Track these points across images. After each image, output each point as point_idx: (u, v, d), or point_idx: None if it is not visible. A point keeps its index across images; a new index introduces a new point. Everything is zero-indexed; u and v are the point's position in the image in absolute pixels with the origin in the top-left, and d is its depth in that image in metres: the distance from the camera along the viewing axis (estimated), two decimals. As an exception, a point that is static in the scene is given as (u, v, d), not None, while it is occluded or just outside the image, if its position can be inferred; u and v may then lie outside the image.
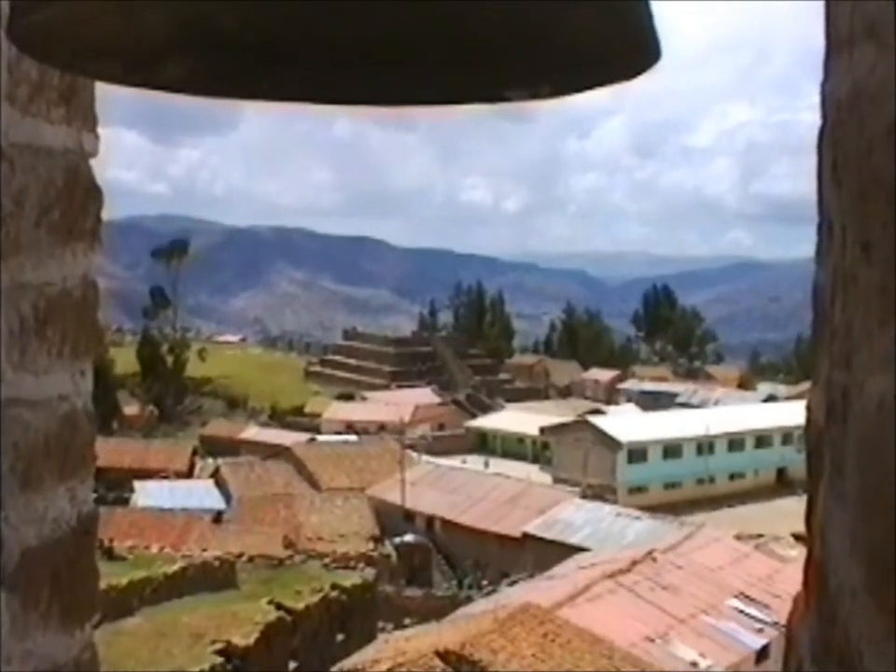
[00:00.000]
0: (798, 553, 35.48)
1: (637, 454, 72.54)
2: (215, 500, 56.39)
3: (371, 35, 1.15)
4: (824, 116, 1.43)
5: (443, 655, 24.39)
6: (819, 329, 1.37)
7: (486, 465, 75.69)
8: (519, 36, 1.19)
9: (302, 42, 1.16)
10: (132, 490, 57.57)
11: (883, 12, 1.07)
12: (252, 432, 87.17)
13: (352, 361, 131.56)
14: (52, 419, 1.87)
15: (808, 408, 1.42)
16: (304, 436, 79.47)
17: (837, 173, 1.28)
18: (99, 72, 1.31)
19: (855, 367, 1.12)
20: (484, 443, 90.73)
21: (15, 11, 1.15)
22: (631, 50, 1.26)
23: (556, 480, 68.88)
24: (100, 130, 2.02)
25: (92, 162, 1.98)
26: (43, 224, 1.83)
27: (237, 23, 1.12)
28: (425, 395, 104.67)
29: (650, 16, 1.24)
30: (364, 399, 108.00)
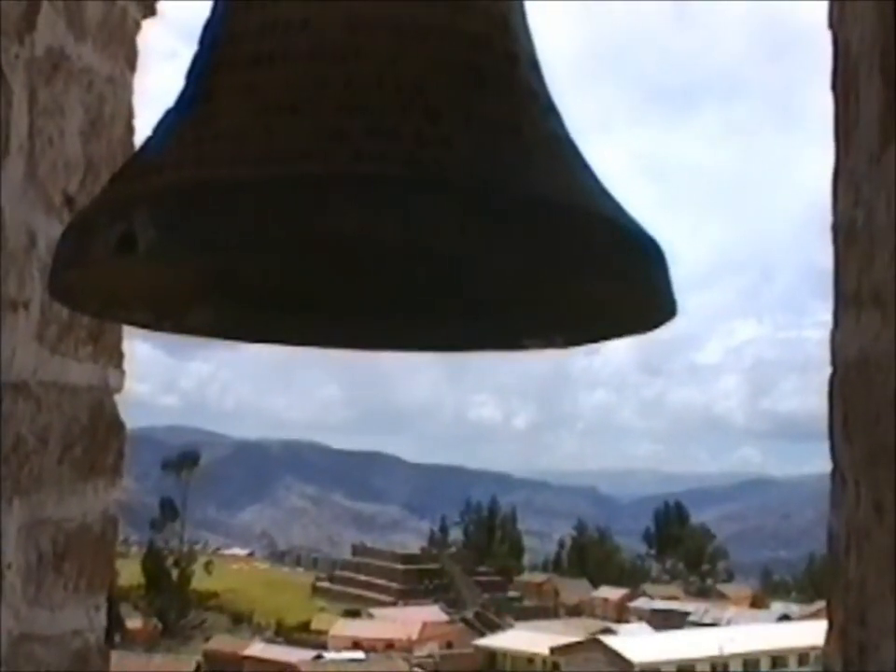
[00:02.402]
0: None
1: (650, 675, 70.91)
2: (217, 720, 55.00)
3: (387, 288, 1.20)
4: (834, 365, 1.47)
5: None
6: (833, 577, 1.38)
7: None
8: (535, 291, 1.24)
9: (319, 294, 1.21)
10: (132, 708, 56.20)
11: (888, 282, 1.07)
12: (257, 648, 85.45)
13: (360, 577, 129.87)
14: (65, 655, 1.86)
15: (825, 654, 1.41)
16: (310, 653, 77.92)
17: (848, 428, 1.30)
18: (131, 320, 1.36)
19: (870, 625, 1.12)
20: (493, 663, 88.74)
21: (56, 266, 1.20)
22: (645, 307, 1.30)
23: (567, 702, 67.16)
24: (122, 350, 2.06)
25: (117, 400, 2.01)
26: (66, 460, 1.85)
27: (257, 277, 1.17)
28: (433, 612, 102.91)
29: (666, 275, 1.28)
30: (371, 616, 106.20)
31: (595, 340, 1.36)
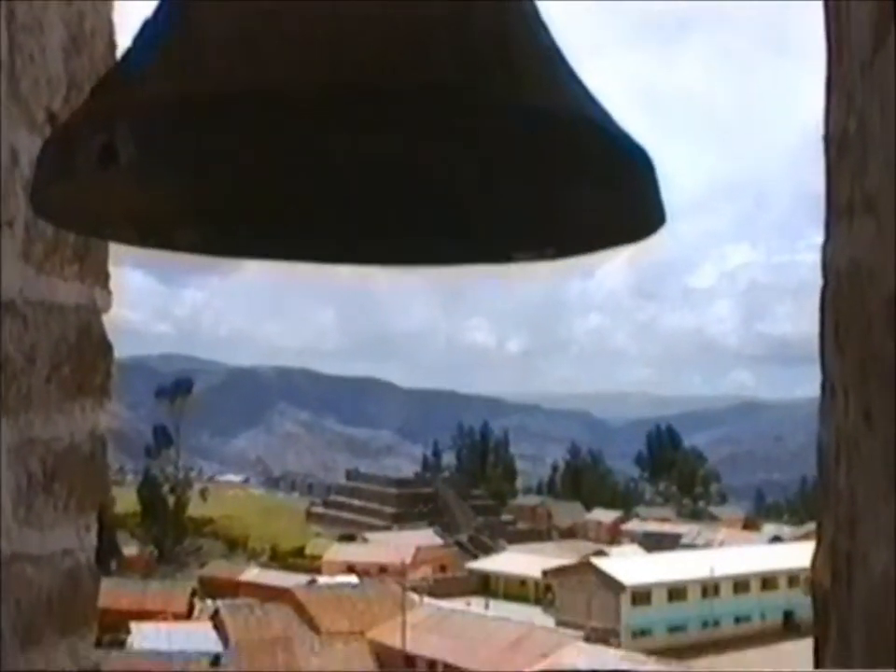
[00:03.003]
0: (807, 700, 34.83)
1: (641, 596, 71.64)
2: (213, 644, 55.50)
3: (377, 203, 1.18)
4: (825, 277, 1.46)
5: None
6: (823, 490, 1.38)
7: (487, 606, 74.75)
8: (526, 204, 1.22)
9: (306, 211, 1.20)
10: (128, 632, 56.69)
11: (883, 189, 1.07)
12: (252, 574, 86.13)
13: (354, 502, 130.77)
14: (56, 575, 1.86)
15: (813, 566, 1.42)
16: (305, 578, 78.61)
17: (839, 339, 1.30)
18: (115, 236, 1.35)
19: (859, 535, 1.12)
20: (487, 586, 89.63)
21: (38, 180, 1.19)
22: (635, 217, 1.29)
23: (559, 623, 67.89)
24: (108, 270, 2.05)
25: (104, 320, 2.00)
26: (53, 380, 1.85)
27: (244, 195, 1.15)
28: (426, 536, 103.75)
29: (655, 183, 1.27)
30: (366, 540, 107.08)
31: (586, 250, 1.35)
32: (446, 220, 1.23)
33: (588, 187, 1.19)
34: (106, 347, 2.00)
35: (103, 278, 2.00)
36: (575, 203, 1.22)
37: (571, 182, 1.18)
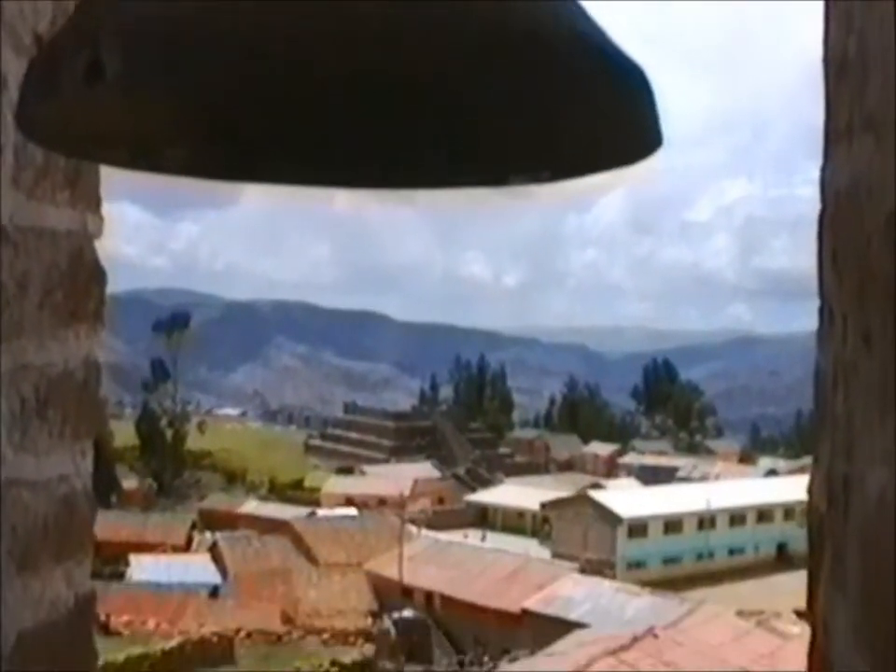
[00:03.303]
0: (800, 629, 35.19)
1: (637, 529, 72.17)
2: (211, 576, 55.96)
3: (372, 124, 1.16)
4: (823, 202, 1.45)
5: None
6: (820, 415, 1.37)
7: (483, 538, 75.30)
8: (521, 124, 1.21)
9: (300, 131, 1.18)
10: (127, 565, 57.13)
11: (883, 106, 1.07)
12: (251, 506, 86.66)
13: (352, 435, 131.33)
14: (52, 500, 1.86)
15: (809, 492, 1.41)
16: (303, 510, 79.11)
17: (837, 263, 1.29)
18: (105, 158, 1.33)
19: (856, 458, 1.12)
20: (484, 518, 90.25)
21: (23, 100, 1.17)
22: (632, 137, 1.27)
23: (556, 555, 68.43)
24: (103, 204, 2.03)
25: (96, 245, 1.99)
26: (46, 306, 1.84)
27: (237, 114, 1.13)
28: (424, 469, 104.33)
29: (652, 103, 1.26)
30: (364, 473, 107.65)
31: (582, 173, 1.33)
32: (440, 141, 1.21)
33: (584, 107, 1.18)
34: (99, 273, 1.99)
35: (94, 204, 1.98)
36: (571, 124, 1.21)
37: (567, 102, 1.17)
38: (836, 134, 1.35)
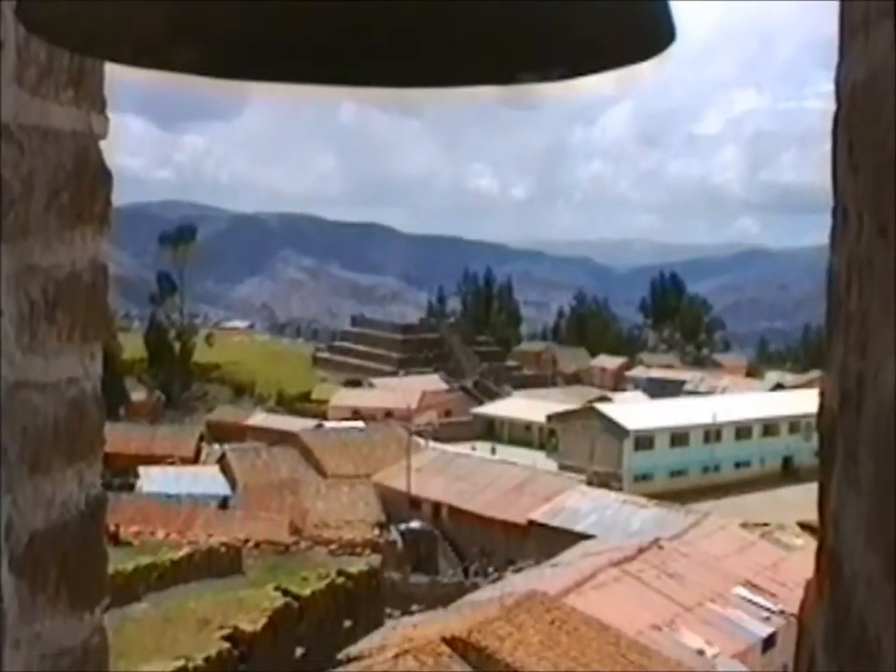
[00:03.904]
0: (804, 542, 35.51)
1: (644, 441, 72.57)
2: (220, 487, 56.44)
3: (377, 19, 1.15)
4: (839, 100, 1.42)
5: (450, 642, 24.45)
6: (833, 316, 1.36)
7: (493, 451, 75.69)
8: (530, 19, 1.19)
9: (308, 29, 1.15)
10: (137, 476, 57.61)
11: None
12: (258, 419, 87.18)
13: (360, 348, 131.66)
14: (61, 403, 1.87)
15: (822, 394, 1.41)
16: (311, 422, 79.52)
17: (853, 157, 1.27)
18: (109, 54, 1.31)
19: (870, 354, 1.11)
20: (491, 430, 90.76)
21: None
22: (644, 32, 1.25)
23: (562, 467, 68.88)
24: (104, 95, 2.01)
25: (101, 145, 1.97)
26: (52, 207, 1.82)
27: (244, 10, 1.13)
28: (432, 382, 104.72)
29: None
30: (371, 385, 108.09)
31: (593, 70, 1.30)
32: (446, 38, 1.19)
33: (594, 1, 1.15)
34: (105, 174, 1.98)
35: (99, 104, 1.96)
36: (580, 20, 1.18)
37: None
38: (852, 28, 1.32)
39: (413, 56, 1.22)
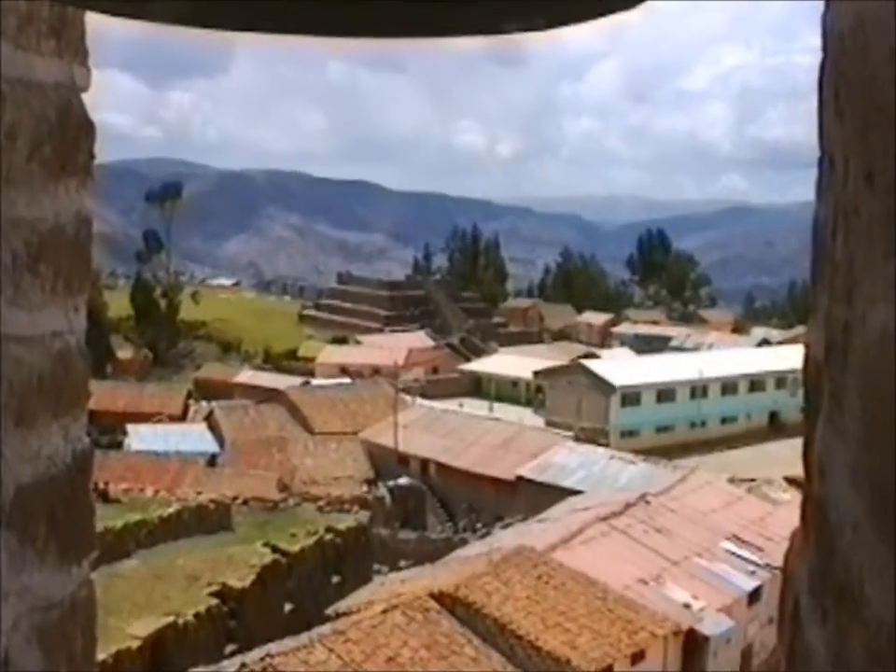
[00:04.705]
0: (790, 496, 35.75)
1: (631, 397, 72.81)
2: (208, 444, 56.58)
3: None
4: (825, 49, 1.41)
5: (438, 597, 24.60)
6: (818, 266, 1.36)
7: (491, 409, 75.71)
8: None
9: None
10: (125, 434, 57.70)
11: None
12: (246, 376, 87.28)
13: (346, 305, 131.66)
14: (46, 356, 1.86)
15: (807, 345, 1.41)
16: (298, 379, 79.66)
17: (839, 104, 1.26)
18: (89, 3, 1.29)
19: (856, 300, 1.11)
20: (479, 387, 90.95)
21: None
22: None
23: (549, 423, 69.12)
24: (92, 72, 1.99)
25: (85, 98, 1.95)
26: (35, 159, 1.81)
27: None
28: (419, 338, 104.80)
29: None
30: (358, 342, 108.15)
31: (577, 19, 1.29)
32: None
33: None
34: (88, 126, 1.96)
35: (81, 55, 1.94)
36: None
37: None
38: (839, -26, 1.31)
39: (395, 6, 1.21)
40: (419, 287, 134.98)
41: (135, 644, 25.94)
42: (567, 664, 24.05)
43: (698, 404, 75.02)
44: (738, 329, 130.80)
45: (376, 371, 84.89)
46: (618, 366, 79.49)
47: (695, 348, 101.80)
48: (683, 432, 73.86)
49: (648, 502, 34.57)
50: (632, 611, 26.47)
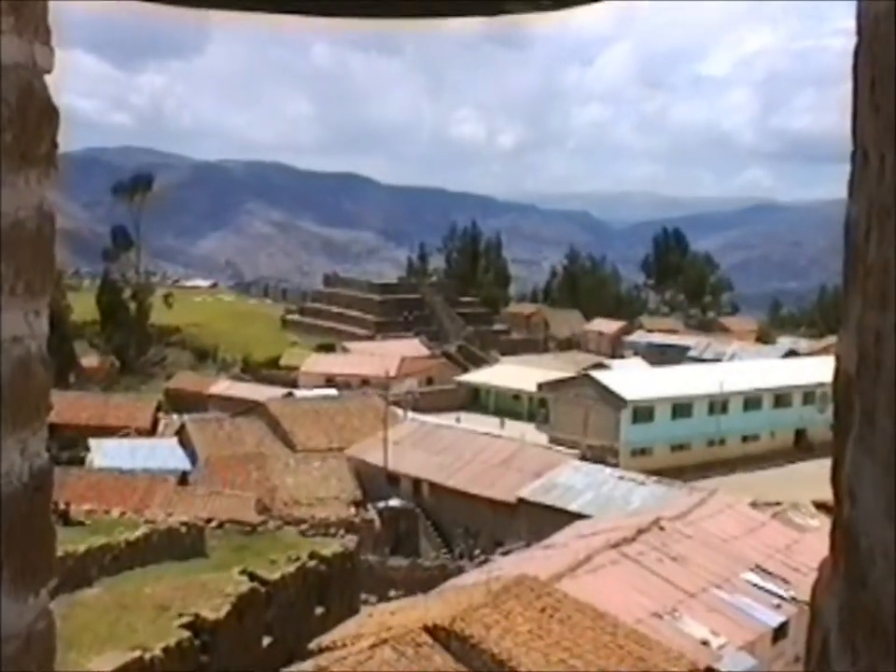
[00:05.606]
0: (819, 522, 35.71)
1: (643, 412, 72.74)
2: (180, 460, 56.49)
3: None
4: (860, 33, 1.42)
5: (432, 630, 24.52)
6: (851, 268, 1.36)
7: (502, 425, 75.57)
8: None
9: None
10: (88, 449, 57.59)
11: None
12: (222, 386, 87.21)
13: (333, 309, 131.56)
14: (6, 363, 1.86)
15: (837, 356, 1.41)
16: (280, 390, 79.56)
17: (875, 95, 1.26)
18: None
19: (890, 307, 1.11)
20: (477, 400, 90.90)
21: None
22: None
23: (553, 440, 69.10)
24: (56, 52, 1.98)
25: (47, 80, 1.95)
26: (-6, 148, 1.81)
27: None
28: (412, 346, 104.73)
29: None
30: (346, 350, 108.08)
31: (583, 1, 1.30)
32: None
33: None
34: (52, 111, 1.96)
35: (43, 33, 1.94)
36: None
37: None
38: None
39: None
40: (413, 289, 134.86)
41: (98, 680, 25.86)
42: (573, 704, 24.00)
43: (717, 420, 74.96)
44: (762, 337, 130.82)
45: (365, 381, 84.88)
46: (629, 378, 79.44)
47: (715, 359, 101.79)
48: (701, 451, 73.81)
49: (662, 528, 34.52)
50: (644, 648, 26.40)
